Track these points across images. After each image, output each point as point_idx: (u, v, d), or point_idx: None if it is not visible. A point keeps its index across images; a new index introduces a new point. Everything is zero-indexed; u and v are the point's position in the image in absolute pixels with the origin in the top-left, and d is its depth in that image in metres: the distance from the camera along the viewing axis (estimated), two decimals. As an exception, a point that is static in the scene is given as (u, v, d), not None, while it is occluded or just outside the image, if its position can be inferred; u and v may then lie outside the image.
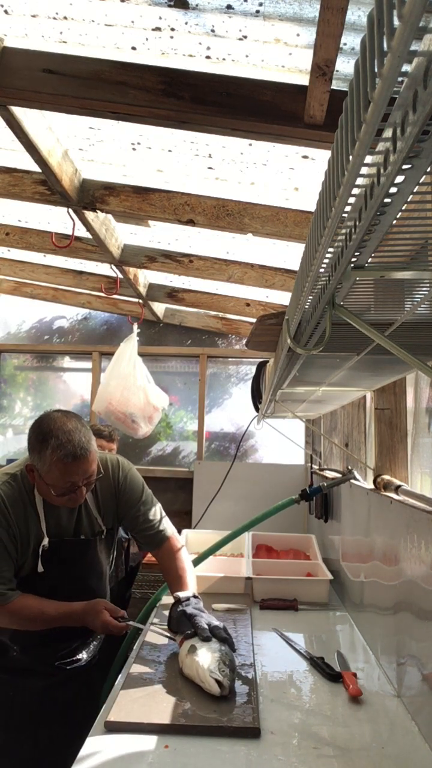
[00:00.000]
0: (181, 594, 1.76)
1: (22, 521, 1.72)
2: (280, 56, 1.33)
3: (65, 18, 1.35)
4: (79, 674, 1.82)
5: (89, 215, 2.33)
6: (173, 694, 1.39)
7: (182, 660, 1.51)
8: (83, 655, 1.85)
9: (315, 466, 3.43)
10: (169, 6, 1.24)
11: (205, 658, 1.44)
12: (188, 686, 1.44)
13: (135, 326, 3.81)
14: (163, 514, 1.97)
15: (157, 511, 1.95)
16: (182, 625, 1.64)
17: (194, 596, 1.76)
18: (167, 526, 1.95)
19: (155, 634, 1.78)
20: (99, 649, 1.91)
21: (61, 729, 1.73)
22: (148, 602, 2.06)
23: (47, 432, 1.63)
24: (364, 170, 0.57)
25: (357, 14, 1.12)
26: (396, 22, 0.40)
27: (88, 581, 1.83)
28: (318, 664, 1.61)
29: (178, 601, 1.74)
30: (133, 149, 1.88)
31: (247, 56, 1.35)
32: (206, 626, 1.58)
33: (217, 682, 1.36)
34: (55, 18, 1.36)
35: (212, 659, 1.43)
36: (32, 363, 4.47)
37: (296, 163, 1.74)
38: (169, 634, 1.73)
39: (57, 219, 2.61)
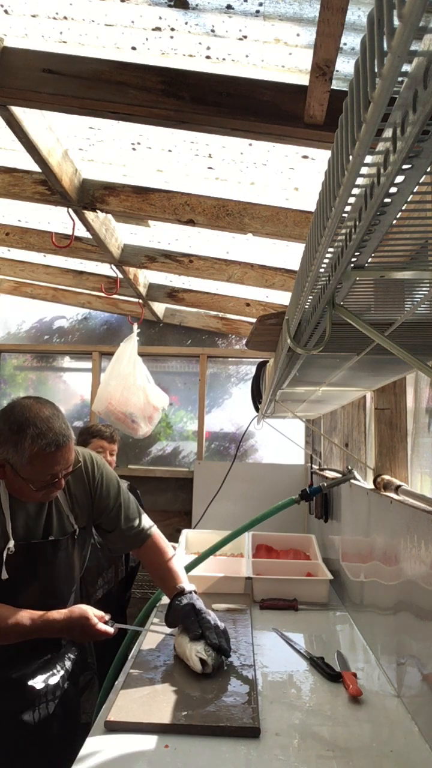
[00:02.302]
0: (186, 585, 1.71)
1: None
2: (280, 56, 1.33)
3: (65, 18, 1.35)
4: (53, 693, 1.62)
5: (89, 215, 2.33)
6: (173, 694, 1.39)
7: (177, 639, 1.61)
8: (58, 671, 1.66)
9: (315, 466, 3.43)
10: (169, 6, 1.24)
11: (197, 640, 1.55)
12: (184, 673, 1.49)
13: (135, 326, 3.81)
14: (141, 509, 1.87)
15: (135, 507, 1.83)
16: (186, 618, 1.59)
17: (195, 592, 1.71)
18: (147, 521, 1.85)
19: (154, 634, 1.78)
20: (74, 663, 1.73)
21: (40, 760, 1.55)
22: (148, 602, 2.06)
23: (23, 421, 1.47)
24: (364, 170, 0.57)
25: (357, 14, 1.11)
26: (396, 22, 0.40)
27: (59, 586, 1.67)
28: (318, 664, 1.61)
29: (181, 593, 1.67)
30: (133, 149, 1.88)
31: (247, 56, 1.35)
32: (213, 626, 1.58)
33: (201, 660, 1.47)
34: (55, 18, 1.36)
35: (201, 641, 1.55)
36: (32, 363, 4.47)
37: (296, 163, 1.74)
38: (168, 632, 1.69)
39: (57, 219, 2.61)
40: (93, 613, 1.57)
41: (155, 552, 1.82)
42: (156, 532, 1.85)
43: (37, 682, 1.59)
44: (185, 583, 1.75)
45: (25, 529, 1.61)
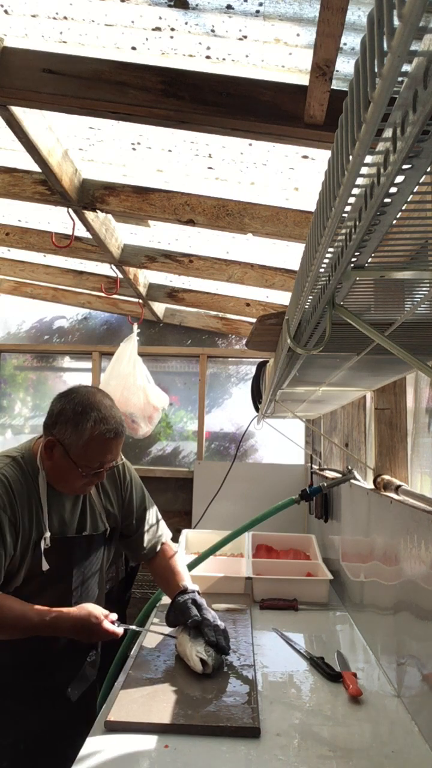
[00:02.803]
0: (189, 585, 1.72)
1: (26, 510, 1.54)
2: (280, 56, 1.33)
3: (65, 18, 1.35)
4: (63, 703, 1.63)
5: (89, 215, 2.33)
6: (173, 694, 1.39)
7: (178, 639, 1.61)
8: (89, 677, 1.69)
9: (315, 466, 3.43)
10: (169, 6, 1.24)
11: (197, 638, 1.56)
12: (184, 673, 1.50)
13: (135, 326, 3.81)
14: (159, 516, 1.89)
15: (155, 516, 1.86)
16: (187, 612, 1.59)
17: (198, 592, 1.72)
18: (163, 530, 1.87)
19: (155, 634, 1.78)
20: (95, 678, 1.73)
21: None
22: (148, 602, 2.06)
23: (87, 404, 1.51)
24: (364, 170, 0.57)
25: (357, 14, 1.11)
26: (396, 22, 0.40)
27: (90, 585, 1.68)
28: (318, 664, 1.61)
29: (183, 591, 1.68)
30: (133, 149, 1.88)
31: (247, 56, 1.35)
32: (212, 624, 1.58)
33: (201, 661, 1.47)
34: (55, 18, 1.36)
35: (201, 641, 1.55)
36: (32, 363, 4.47)
37: (296, 163, 1.73)
38: (168, 632, 1.69)
39: (57, 219, 2.61)
40: (101, 612, 1.52)
41: (164, 558, 1.84)
42: (168, 541, 1.87)
43: (74, 694, 1.61)
44: (188, 582, 1.76)
45: (60, 523, 1.60)
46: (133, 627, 1.76)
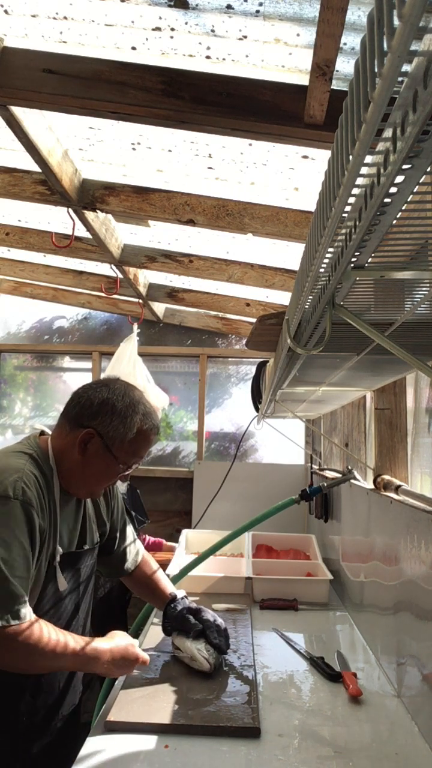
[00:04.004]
0: (177, 592, 1.68)
1: (46, 518, 1.35)
2: (280, 56, 1.32)
3: (65, 18, 1.35)
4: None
5: (89, 215, 2.33)
6: (173, 694, 1.39)
7: (177, 641, 1.60)
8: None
9: (315, 466, 3.43)
10: (169, 6, 1.24)
11: (197, 638, 1.58)
12: (184, 673, 1.49)
13: (135, 326, 3.81)
14: (133, 532, 1.79)
15: (131, 529, 1.76)
16: (185, 621, 1.58)
17: (185, 597, 1.69)
18: (139, 544, 1.78)
19: (154, 632, 1.77)
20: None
21: None
22: (142, 611, 2.05)
23: (134, 398, 1.44)
24: (364, 170, 0.57)
25: (357, 14, 1.11)
26: (396, 22, 0.40)
27: (88, 600, 1.56)
28: (318, 664, 1.61)
29: (173, 599, 1.65)
30: (133, 149, 1.88)
31: (247, 56, 1.35)
32: (213, 625, 1.58)
33: (206, 660, 1.48)
34: (55, 18, 1.36)
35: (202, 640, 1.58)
36: (32, 363, 4.47)
37: (296, 163, 1.73)
38: (181, 655, 1.59)
39: (57, 219, 2.61)
40: (131, 638, 1.41)
41: (146, 570, 1.75)
42: (145, 554, 1.78)
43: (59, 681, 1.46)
44: (173, 589, 1.71)
45: (69, 535, 1.47)
46: (154, 652, 1.66)
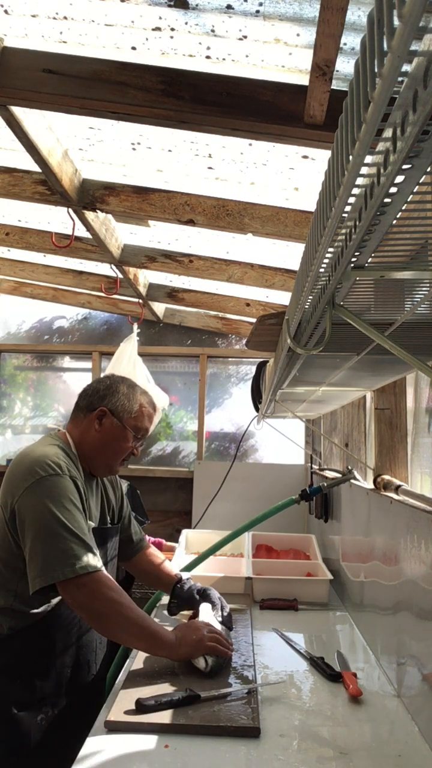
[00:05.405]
0: (183, 574, 1.87)
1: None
2: (280, 56, 1.32)
3: (65, 18, 1.35)
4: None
5: (89, 215, 2.33)
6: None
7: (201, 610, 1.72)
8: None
9: (315, 466, 3.43)
10: (169, 6, 1.24)
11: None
12: (184, 673, 1.51)
13: (135, 326, 3.80)
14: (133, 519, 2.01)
15: (132, 517, 1.97)
16: (192, 600, 1.77)
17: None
18: (141, 531, 1.99)
19: None
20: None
21: None
22: (148, 602, 2.06)
23: (132, 382, 1.77)
24: (364, 170, 0.57)
25: (357, 14, 1.11)
26: (396, 22, 0.40)
27: (116, 577, 1.73)
28: (318, 664, 1.61)
29: (180, 581, 1.84)
30: (133, 149, 1.88)
31: (247, 56, 1.35)
32: (219, 600, 1.79)
33: (204, 659, 1.51)
34: (55, 18, 1.36)
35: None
36: (32, 363, 4.47)
37: (296, 163, 1.73)
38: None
39: (57, 219, 2.61)
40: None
41: (150, 559, 1.94)
42: (150, 544, 1.98)
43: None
44: (179, 572, 1.91)
45: (94, 514, 1.70)
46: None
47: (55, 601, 1.54)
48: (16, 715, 1.46)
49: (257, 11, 1.19)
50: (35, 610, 1.52)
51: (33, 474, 1.47)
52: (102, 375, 3.81)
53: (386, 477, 1.83)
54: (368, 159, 0.55)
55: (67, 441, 1.68)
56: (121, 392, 1.71)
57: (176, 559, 2.55)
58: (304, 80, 1.34)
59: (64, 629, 1.55)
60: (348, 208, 0.65)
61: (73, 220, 2.31)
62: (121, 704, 1.34)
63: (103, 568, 1.46)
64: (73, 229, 2.35)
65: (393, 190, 0.58)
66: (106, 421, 1.67)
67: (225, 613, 1.78)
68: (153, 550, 1.97)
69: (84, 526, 1.47)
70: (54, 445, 1.62)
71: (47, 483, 1.46)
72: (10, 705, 1.46)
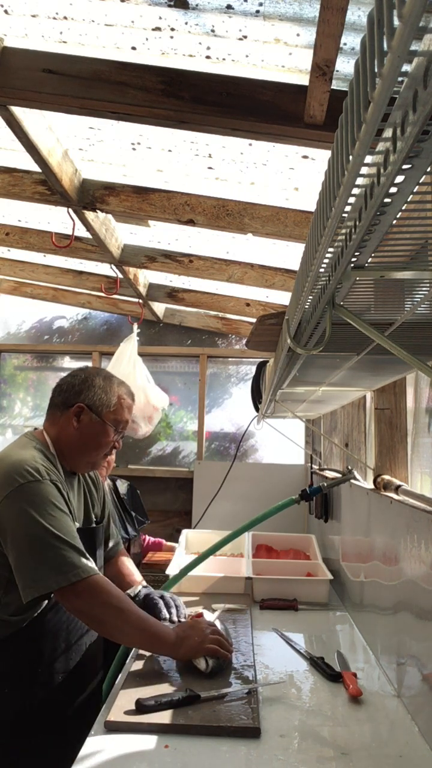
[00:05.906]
0: (137, 578, 1.81)
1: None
2: (280, 56, 1.33)
3: (65, 18, 1.35)
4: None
5: (89, 215, 2.33)
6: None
7: None
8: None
9: (315, 466, 3.43)
10: (169, 6, 1.24)
11: None
12: (184, 673, 1.51)
13: (135, 326, 3.81)
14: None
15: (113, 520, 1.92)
16: (156, 611, 1.65)
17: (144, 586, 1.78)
18: (118, 536, 1.92)
19: None
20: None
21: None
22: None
23: (108, 374, 1.71)
24: (364, 170, 0.57)
25: (357, 14, 1.11)
26: (396, 22, 0.40)
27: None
28: (318, 664, 1.61)
29: (137, 591, 1.73)
30: (133, 149, 1.88)
31: (247, 56, 1.35)
32: (164, 610, 1.66)
33: (205, 660, 1.50)
34: (55, 18, 1.36)
35: None
36: (32, 363, 4.47)
37: (296, 163, 1.73)
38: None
39: (57, 219, 2.61)
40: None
41: (118, 567, 1.84)
42: (121, 548, 1.90)
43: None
44: (137, 576, 1.82)
45: (77, 514, 1.63)
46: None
47: (40, 608, 1.49)
48: (12, 721, 1.45)
49: (257, 11, 1.19)
50: (16, 618, 1.46)
51: (11, 482, 1.41)
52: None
53: (386, 477, 1.83)
54: (368, 159, 0.55)
55: (44, 440, 1.61)
56: (97, 385, 1.64)
57: (176, 559, 2.55)
58: (304, 80, 1.34)
59: (52, 635, 1.51)
60: (348, 208, 0.65)
61: (73, 220, 2.31)
62: (121, 704, 1.34)
63: (98, 571, 1.43)
64: (73, 229, 2.35)
65: (393, 190, 0.58)
66: (84, 417, 1.60)
67: (180, 619, 1.66)
68: (125, 559, 1.88)
69: (73, 530, 1.44)
70: (31, 447, 1.56)
71: (27, 490, 1.41)
72: (3, 712, 1.45)
